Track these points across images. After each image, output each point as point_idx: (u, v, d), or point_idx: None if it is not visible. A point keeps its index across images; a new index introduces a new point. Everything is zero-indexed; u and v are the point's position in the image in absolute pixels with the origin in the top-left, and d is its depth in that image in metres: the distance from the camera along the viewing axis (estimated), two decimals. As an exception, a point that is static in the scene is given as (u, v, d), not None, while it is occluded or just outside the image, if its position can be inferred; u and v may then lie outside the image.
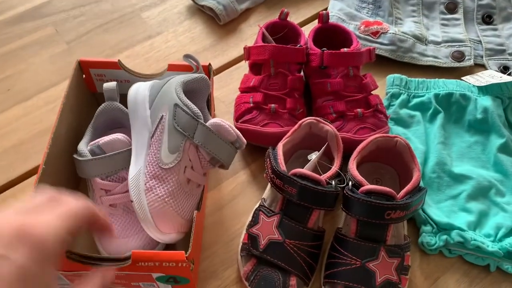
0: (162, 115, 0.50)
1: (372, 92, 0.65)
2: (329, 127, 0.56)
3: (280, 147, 0.55)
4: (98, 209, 0.39)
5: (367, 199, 0.48)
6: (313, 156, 0.54)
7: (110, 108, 0.57)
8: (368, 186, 0.49)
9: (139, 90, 0.54)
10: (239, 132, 0.50)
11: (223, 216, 0.59)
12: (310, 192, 0.50)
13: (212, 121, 0.49)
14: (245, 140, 0.51)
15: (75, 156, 0.54)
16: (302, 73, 0.69)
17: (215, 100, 0.71)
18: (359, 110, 0.61)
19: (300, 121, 0.56)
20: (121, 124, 0.59)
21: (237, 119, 0.63)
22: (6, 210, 0.32)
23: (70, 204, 0.36)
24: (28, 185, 0.61)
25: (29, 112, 0.69)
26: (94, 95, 0.65)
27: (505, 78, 0.68)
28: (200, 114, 0.49)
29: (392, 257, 0.49)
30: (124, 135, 0.53)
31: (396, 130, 0.65)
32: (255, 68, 0.67)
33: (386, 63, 0.75)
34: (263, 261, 0.51)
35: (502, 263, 0.55)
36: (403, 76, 0.70)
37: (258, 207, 0.54)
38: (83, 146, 0.54)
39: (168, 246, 0.53)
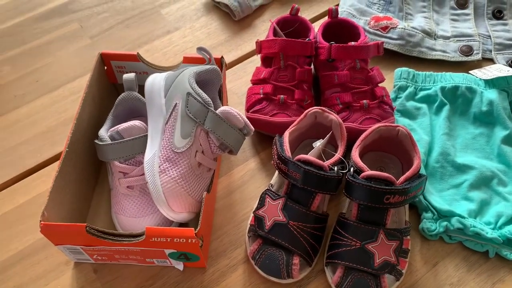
0: (176, 103, 0.54)
1: (379, 85, 0.67)
2: (334, 116, 0.58)
3: (286, 135, 0.58)
4: None
5: (367, 184, 0.51)
6: (317, 144, 0.57)
7: (129, 98, 0.61)
8: (369, 172, 0.52)
9: (155, 81, 0.58)
10: (247, 119, 0.54)
11: (233, 200, 0.63)
12: (313, 177, 0.53)
13: (221, 108, 0.53)
14: (252, 127, 0.55)
15: (96, 141, 0.58)
16: (312, 66, 0.72)
17: (228, 92, 0.74)
18: (364, 101, 0.64)
19: (306, 111, 0.59)
20: (139, 113, 0.63)
21: (248, 109, 0.66)
22: None
23: None
24: (54, 168, 0.66)
25: (55, 101, 0.74)
26: (115, 86, 0.69)
27: (512, 71, 0.69)
28: (211, 102, 0.53)
29: (391, 240, 0.52)
30: (141, 122, 0.57)
31: (402, 122, 0.67)
32: (266, 61, 0.70)
33: (395, 57, 0.77)
34: (268, 241, 0.54)
35: (501, 249, 0.57)
36: (411, 70, 0.72)
37: (265, 190, 0.57)
38: (104, 132, 0.58)
39: (181, 226, 0.57)
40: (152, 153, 0.54)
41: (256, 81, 0.68)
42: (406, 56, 0.77)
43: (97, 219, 0.60)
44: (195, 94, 0.53)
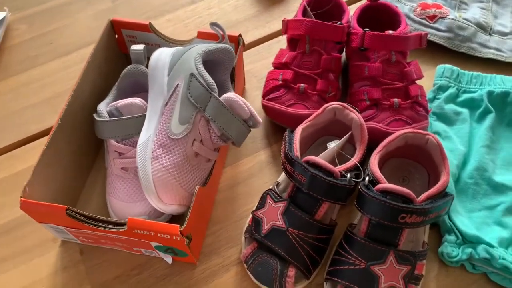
0: (178, 84, 0.49)
1: (416, 82, 0.59)
2: (355, 115, 0.51)
3: (298, 131, 0.51)
4: None
5: (381, 199, 0.44)
6: (332, 144, 0.50)
7: (135, 71, 0.57)
8: (385, 185, 0.45)
9: (161, 56, 0.52)
10: (253, 110, 0.48)
11: (236, 193, 0.58)
12: (321, 183, 0.47)
13: (226, 95, 0.47)
14: (259, 120, 0.49)
15: (94, 115, 0.54)
16: (343, 55, 0.65)
17: (248, 74, 0.68)
18: (395, 100, 0.56)
19: (325, 105, 0.53)
20: (145, 88, 0.58)
21: (264, 95, 0.60)
22: None
23: None
24: (56, 138, 0.63)
25: (67, 66, 0.71)
26: (126, 56, 0.64)
27: None
28: (215, 87, 0.47)
29: (401, 264, 0.45)
30: (142, 100, 0.53)
31: (437, 127, 0.59)
32: (292, 43, 0.63)
33: (440, 52, 0.68)
34: (264, 247, 0.49)
35: (532, 289, 0.49)
36: (455, 68, 0.63)
37: (267, 190, 0.51)
38: (103, 107, 0.54)
39: (176, 217, 0.53)
40: (147, 136, 0.49)
41: (277, 65, 0.61)
42: (453, 52, 0.68)
43: (91, 199, 0.57)
44: (198, 75, 0.48)
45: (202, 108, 0.47)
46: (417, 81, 0.60)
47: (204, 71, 0.48)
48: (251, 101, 0.65)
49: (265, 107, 0.60)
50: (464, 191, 0.55)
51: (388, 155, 0.52)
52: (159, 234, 0.45)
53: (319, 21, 0.58)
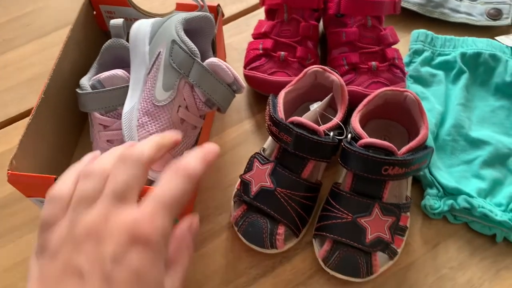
0: (160, 52, 0.49)
1: (392, 47, 0.61)
2: (335, 77, 0.53)
3: (281, 95, 0.53)
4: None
5: (364, 153, 0.46)
6: (315, 106, 0.52)
7: (115, 45, 0.57)
8: (367, 140, 0.46)
9: (141, 27, 0.53)
10: (237, 74, 0.48)
11: (223, 162, 0.58)
12: (305, 141, 0.48)
13: (209, 60, 0.47)
14: (243, 84, 0.49)
15: (77, 89, 0.54)
16: (321, 23, 0.66)
17: (228, 47, 0.69)
18: (373, 63, 0.57)
19: (306, 69, 0.54)
20: (127, 62, 0.58)
21: (245, 65, 0.61)
22: (99, 205, 0.28)
23: (169, 185, 0.29)
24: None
25: (45, 48, 0.70)
26: (106, 33, 0.64)
27: (544, 39, 0.62)
28: (197, 52, 0.48)
29: (386, 215, 0.47)
30: (124, 71, 0.53)
31: (415, 89, 0.61)
32: (270, 14, 0.64)
33: (414, 18, 0.70)
34: (253, 208, 0.50)
35: (510, 234, 0.51)
36: (429, 32, 0.65)
37: (254, 154, 0.52)
38: (85, 81, 0.54)
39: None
40: (131, 105, 0.49)
41: (257, 35, 0.62)
42: (426, 18, 0.70)
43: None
44: (180, 42, 0.48)
45: (185, 73, 0.47)
46: (394, 46, 0.61)
47: (186, 37, 0.48)
48: (232, 73, 0.66)
49: (247, 77, 0.60)
50: (443, 148, 0.57)
51: (368, 115, 0.53)
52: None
53: (296, -11, 0.59)
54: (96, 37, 0.62)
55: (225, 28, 0.71)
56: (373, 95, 0.51)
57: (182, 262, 0.31)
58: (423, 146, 0.49)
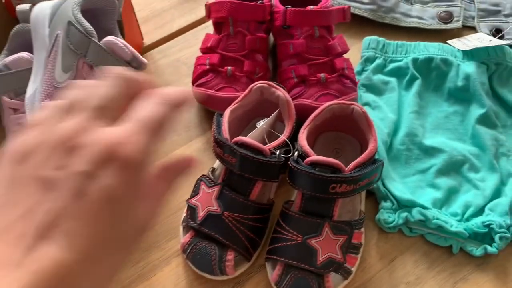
0: (58, 34, 0.50)
1: (344, 56, 0.60)
2: (281, 92, 0.51)
3: (227, 113, 0.50)
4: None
5: (310, 171, 0.44)
6: (261, 123, 0.50)
7: (23, 30, 0.56)
8: (313, 157, 0.45)
9: (41, 9, 0.53)
10: (135, 51, 0.48)
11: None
12: (250, 162, 0.46)
13: (105, 39, 0.48)
14: (144, 60, 0.50)
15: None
16: (271, 34, 0.64)
17: (178, 63, 0.67)
18: (322, 74, 0.56)
19: (251, 85, 0.52)
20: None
21: (193, 81, 0.59)
22: (77, 116, 0.25)
23: (151, 109, 0.26)
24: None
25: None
26: (17, 20, 0.62)
27: (495, 41, 0.62)
28: (94, 32, 0.48)
29: (337, 234, 0.45)
30: (30, 54, 0.53)
31: (367, 98, 0.60)
32: (218, 27, 0.62)
33: (367, 25, 0.69)
34: (201, 234, 0.48)
35: (466, 244, 0.50)
36: (381, 39, 0.64)
37: (200, 176, 0.50)
38: (-5, 67, 0.54)
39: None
40: (33, 89, 0.50)
41: (204, 50, 0.60)
42: (378, 24, 0.69)
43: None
44: (76, 23, 0.48)
45: (83, 54, 0.48)
46: (346, 55, 0.60)
47: (82, 18, 0.49)
48: (182, 89, 0.63)
49: (195, 94, 0.58)
50: (397, 158, 0.56)
51: (317, 129, 0.52)
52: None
53: (239, 1, 0.57)
54: (7, 24, 0.61)
55: (173, 42, 0.69)
56: (320, 110, 0.50)
57: (158, 194, 0.28)
58: (372, 160, 0.47)
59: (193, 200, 0.49)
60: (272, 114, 0.51)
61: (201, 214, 0.47)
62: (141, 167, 0.25)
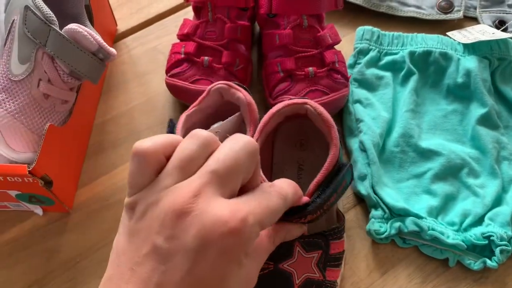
0: (14, 19, 0.44)
1: (335, 48, 0.54)
2: (241, 94, 0.44)
3: (182, 119, 0.44)
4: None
5: None
6: (215, 126, 0.42)
7: None
8: None
9: None
10: (102, 41, 0.44)
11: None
12: None
13: (67, 27, 0.43)
14: (112, 51, 0.45)
15: None
16: (256, 23, 0.59)
17: (154, 51, 0.61)
18: (310, 69, 0.51)
19: (210, 86, 0.45)
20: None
21: (166, 71, 0.53)
22: (196, 180, 0.27)
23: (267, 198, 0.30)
24: None
25: None
26: None
27: (498, 34, 0.57)
28: (54, 18, 0.43)
29: (310, 251, 0.40)
30: None
31: (358, 94, 0.55)
32: (197, 12, 0.56)
33: (361, 14, 0.64)
34: None
35: (464, 257, 0.46)
36: (375, 29, 0.59)
37: None
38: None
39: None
40: None
41: (181, 37, 0.55)
42: (373, 13, 0.64)
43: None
44: (34, 7, 0.43)
45: (42, 43, 0.43)
46: (337, 47, 0.55)
47: (41, 2, 0.43)
48: (159, 81, 0.58)
49: (167, 85, 0.53)
50: (390, 161, 0.51)
51: (271, 136, 0.46)
52: (8, 178, 0.41)
53: (220, -16, 0.51)
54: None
55: (150, 29, 0.63)
56: (268, 117, 0.43)
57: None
58: (336, 169, 0.41)
59: None
60: (230, 117, 0.45)
61: None
62: (244, 245, 0.27)
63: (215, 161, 0.27)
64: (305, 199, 0.37)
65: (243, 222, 0.26)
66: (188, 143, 0.28)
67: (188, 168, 0.27)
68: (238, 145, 0.28)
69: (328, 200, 0.38)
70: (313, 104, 0.42)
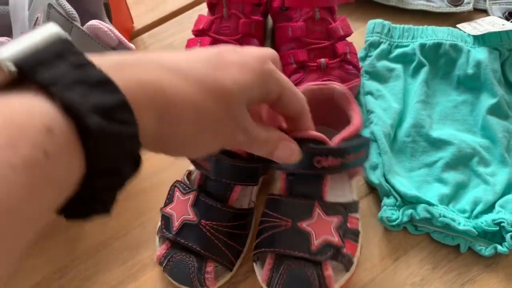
0: (38, 17, 0.46)
1: (347, 39, 0.56)
2: None
3: None
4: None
5: None
6: None
7: (3, 13, 0.53)
8: (295, 133, 0.39)
9: None
10: (122, 37, 0.45)
11: (143, 190, 0.52)
12: (226, 166, 0.42)
13: (88, 23, 0.45)
14: (131, 46, 0.46)
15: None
16: (269, 17, 0.60)
17: (169, 47, 0.63)
18: (322, 60, 0.52)
19: None
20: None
21: (183, 68, 0.55)
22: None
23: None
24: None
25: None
26: None
27: (508, 25, 0.57)
28: (76, 15, 0.45)
29: (330, 215, 0.41)
30: (8, 38, 0.49)
31: (369, 86, 0.56)
32: (212, 8, 0.58)
33: (372, 7, 0.65)
34: (178, 245, 0.44)
35: (475, 243, 0.47)
36: (386, 22, 0.60)
37: (174, 182, 0.46)
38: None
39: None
40: None
41: (196, 32, 0.56)
42: (384, 7, 0.65)
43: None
44: (57, 5, 0.45)
45: None
46: (349, 40, 0.56)
47: (64, 0, 0.45)
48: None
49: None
50: (402, 150, 0.53)
51: None
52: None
53: (234, -19, 0.53)
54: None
55: (166, 26, 0.65)
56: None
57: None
58: (357, 135, 0.43)
59: (168, 209, 0.45)
60: None
61: (176, 223, 0.44)
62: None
63: None
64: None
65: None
66: None
67: None
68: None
69: (349, 153, 0.40)
70: (341, 85, 0.45)
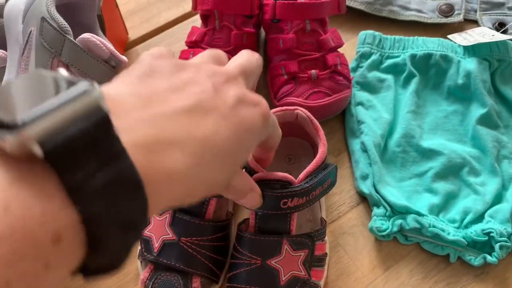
0: (31, 30, 0.47)
1: (339, 50, 0.56)
2: None
3: None
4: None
5: None
6: None
7: None
8: (260, 174, 0.41)
9: (15, 3, 0.50)
10: (113, 49, 0.46)
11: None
12: None
13: (81, 36, 0.45)
14: (123, 58, 0.47)
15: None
16: (261, 29, 0.61)
17: (163, 58, 0.63)
18: (313, 71, 0.53)
19: None
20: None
21: (177, 79, 0.56)
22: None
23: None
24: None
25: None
26: None
27: (498, 36, 0.58)
28: (69, 29, 0.45)
29: (297, 250, 0.42)
30: (4, 51, 0.50)
31: (360, 97, 0.57)
32: (205, 20, 0.58)
33: (363, 19, 0.65)
34: (161, 266, 0.44)
35: (465, 253, 0.47)
36: (377, 33, 0.60)
37: None
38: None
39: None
40: None
41: (189, 44, 0.57)
42: (375, 17, 0.65)
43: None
44: (50, 19, 0.45)
45: (57, 52, 0.45)
46: (340, 50, 0.57)
47: (56, 14, 0.46)
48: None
49: (178, 92, 0.55)
50: (392, 160, 0.53)
51: None
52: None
53: (226, -7, 0.54)
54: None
55: (160, 37, 0.66)
56: None
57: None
58: (323, 166, 0.44)
59: (145, 232, 0.45)
60: None
61: (156, 244, 0.44)
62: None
63: (241, 59, 0.33)
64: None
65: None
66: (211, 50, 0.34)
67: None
68: (254, 55, 0.34)
69: (314, 190, 0.41)
70: (302, 110, 0.46)
